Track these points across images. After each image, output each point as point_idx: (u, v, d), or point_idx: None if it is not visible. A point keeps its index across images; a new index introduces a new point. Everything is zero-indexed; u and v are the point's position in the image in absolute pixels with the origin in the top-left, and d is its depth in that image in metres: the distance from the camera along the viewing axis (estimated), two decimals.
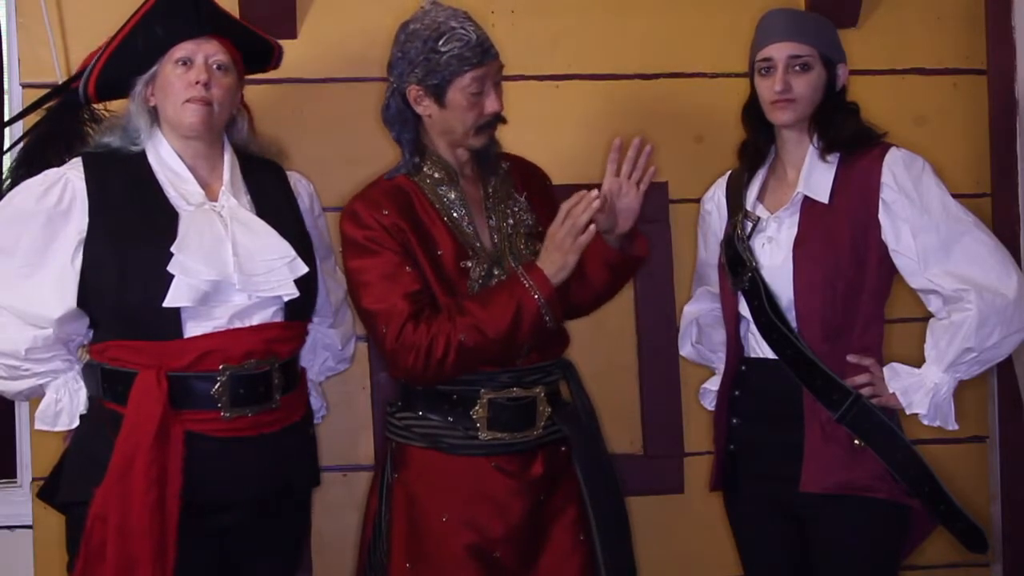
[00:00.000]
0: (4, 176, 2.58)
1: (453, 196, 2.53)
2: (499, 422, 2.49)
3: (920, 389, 2.49)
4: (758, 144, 2.65)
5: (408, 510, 2.50)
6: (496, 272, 2.49)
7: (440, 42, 2.42)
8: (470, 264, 2.48)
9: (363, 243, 2.45)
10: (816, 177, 2.54)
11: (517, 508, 2.48)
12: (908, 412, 2.51)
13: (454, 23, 2.43)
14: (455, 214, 2.52)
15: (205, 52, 2.45)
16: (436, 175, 2.53)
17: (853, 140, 2.54)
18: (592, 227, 2.37)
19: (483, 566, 2.46)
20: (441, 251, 2.47)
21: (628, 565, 2.60)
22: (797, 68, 2.51)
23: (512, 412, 2.50)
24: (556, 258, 2.40)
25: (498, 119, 2.51)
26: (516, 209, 2.58)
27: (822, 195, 2.52)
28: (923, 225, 2.47)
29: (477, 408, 2.48)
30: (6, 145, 2.82)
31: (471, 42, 2.43)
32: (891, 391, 2.50)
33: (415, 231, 2.46)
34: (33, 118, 2.64)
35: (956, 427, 2.52)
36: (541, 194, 2.66)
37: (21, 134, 2.65)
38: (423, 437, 2.51)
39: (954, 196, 2.54)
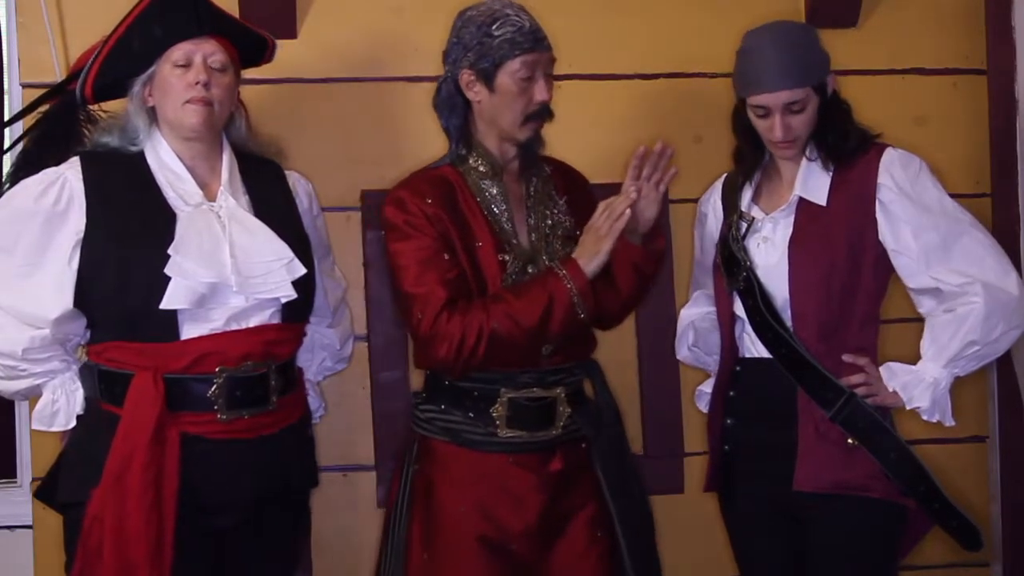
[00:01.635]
0: (3, 180, 2.57)
1: (495, 191, 2.56)
2: (518, 421, 2.51)
3: (920, 384, 2.48)
4: (751, 150, 2.65)
5: (426, 500, 2.52)
6: (530, 269, 2.51)
7: (494, 26, 2.47)
8: (507, 258, 2.50)
9: (403, 227, 2.48)
10: (813, 181, 2.54)
11: (535, 503, 2.50)
12: (909, 407, 2.51)
13: (509, 11, 2.50)
14: (495, 209, 2.55)
15: (204, 52, 2.44)
16: (481, 168, 2.56)
17: (851, 153, 2.54)
18: (628, 211, 2.40)
19: (497, 558, 2.48)
20: (480, 243, 2.50)
21: (653, 563, 2.62)
22: (794, 110, 2.51)
23: (531, 412, 2.52)
24: (590, 245, 2.44)
25: (546, 111, 2.52)
26: (555, 211, 2.60)
27: (819, 198, 2.53)
28: (924, 224, 2.47)
29: (497, 406, 2.50)
30: (5, 145, 2.82)
31: (524, 28, 2.48)
32: (891, 389, 2.50)
33: (455, 222, 2.49)
34: (32, 119, 2.63)
35: (954, 423, 2.53)
36: (582, 199, 2.66)
37: (20, 134, 2.65)
38: (444, 431, 2.53)
39: (954, 196, 2.54)
